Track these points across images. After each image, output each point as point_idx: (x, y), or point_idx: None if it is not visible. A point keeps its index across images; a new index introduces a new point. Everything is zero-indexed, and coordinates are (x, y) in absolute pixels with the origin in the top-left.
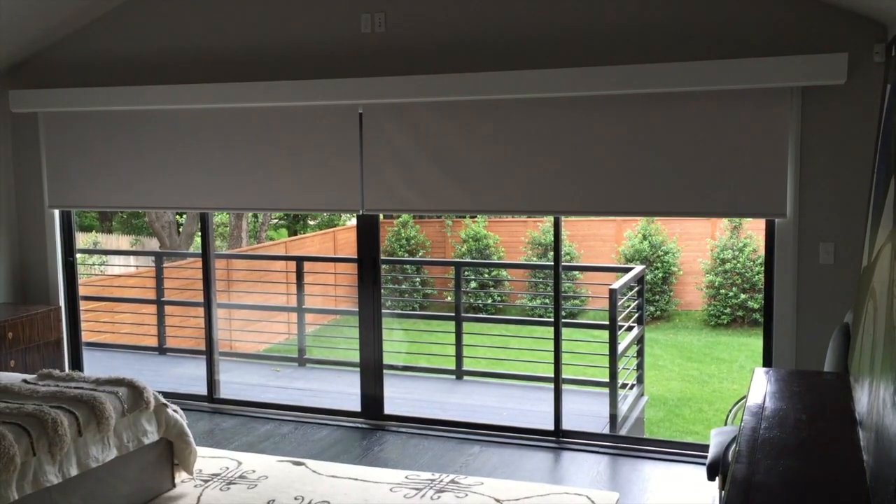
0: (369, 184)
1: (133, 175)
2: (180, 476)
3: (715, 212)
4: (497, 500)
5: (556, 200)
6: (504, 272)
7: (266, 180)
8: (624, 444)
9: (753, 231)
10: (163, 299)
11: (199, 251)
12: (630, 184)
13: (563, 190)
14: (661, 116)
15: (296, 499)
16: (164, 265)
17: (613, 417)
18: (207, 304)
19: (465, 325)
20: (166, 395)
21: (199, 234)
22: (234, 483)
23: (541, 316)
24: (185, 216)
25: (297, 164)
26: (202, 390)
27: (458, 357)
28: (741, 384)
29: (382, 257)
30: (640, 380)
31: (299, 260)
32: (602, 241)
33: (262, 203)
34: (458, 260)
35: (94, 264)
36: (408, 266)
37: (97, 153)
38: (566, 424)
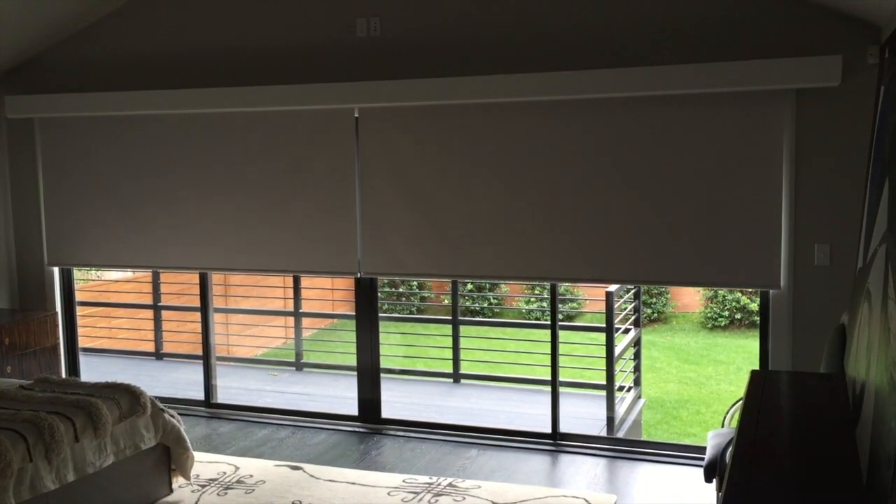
0: (366, 238)
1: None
2: (177, 481)
3: (711, 281)
4: None
5: (553, 267)
6: None
7: (264, 237)
8: (621, 446)
9: None
10: (160, 304)
11: None
12: (626, 251)
13: (559, 256)
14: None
15: (293, 503)
16: (161, 270)
17: (611, 420)
18: (204, 309)
19: (462, 329)
20: (163, 400)
21: None
22: (232, 488)
23: (538, 319)
24: None
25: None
26: (199, 395)
27: (455, 360)
28: (738, 386)
29: None
30: (637, 382)
31: None
32: None
33: (260, 263)
34: None
35: (90, 269)
36: None
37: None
38: (563, 427)
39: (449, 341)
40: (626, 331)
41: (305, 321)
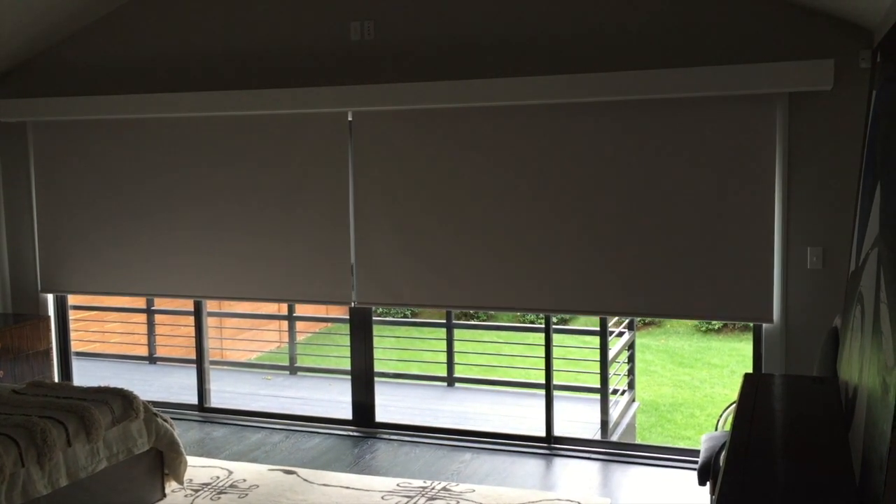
0: (360, 266)
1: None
2: (170, 486)
3: (703, 314)
4: None
5: (546, 299)
6: None
7: (258, 264)
8: (615, 449)
9: None
10: (153, 308)
11: None
12: (619, 278)
13: (553, 288)
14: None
15: None
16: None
17: (605, 423)
18: (198, 313)
19: (457, 332)
20: (156, 404)
21: None
22: (225, 492)
23: (532, 322)
24: None
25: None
26: (193, 399)
27: (450, 364)
28: (732, 389)
29: None
30: (631, 385)
31: None
32: None
33: (253, 292)
34: None
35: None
36: None
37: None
38: (558, 430)
39: (443, 345)
40: (620, 334)
41: (299, 325)
